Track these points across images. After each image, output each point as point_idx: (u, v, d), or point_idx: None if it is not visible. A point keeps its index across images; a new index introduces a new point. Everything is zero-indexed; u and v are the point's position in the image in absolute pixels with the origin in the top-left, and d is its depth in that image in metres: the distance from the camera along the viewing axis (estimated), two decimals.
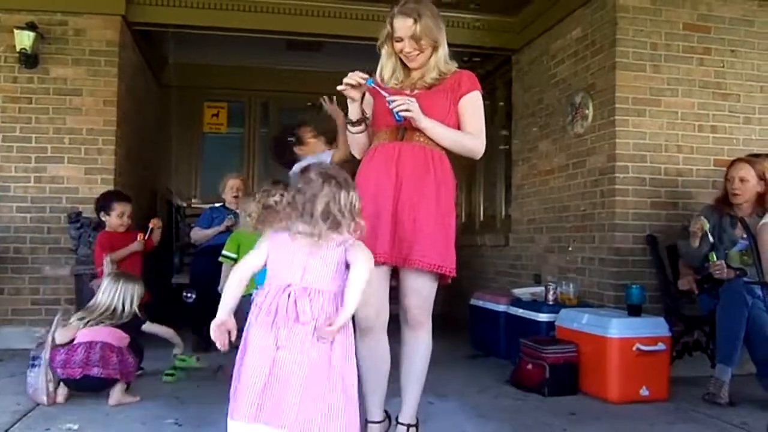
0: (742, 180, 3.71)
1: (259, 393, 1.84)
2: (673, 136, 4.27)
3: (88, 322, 3.30)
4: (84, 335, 3.23)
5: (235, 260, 4.06)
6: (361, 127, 2.53)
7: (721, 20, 4.37)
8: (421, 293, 2.43)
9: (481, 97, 2.52)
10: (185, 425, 2.87)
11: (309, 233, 1.94)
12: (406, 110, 2.32)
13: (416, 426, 2.53)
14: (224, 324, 1.93)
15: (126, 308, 3.41)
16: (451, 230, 2.44)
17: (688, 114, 4.30)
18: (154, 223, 4.21)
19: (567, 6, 4.78)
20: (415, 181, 2.38)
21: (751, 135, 4.40)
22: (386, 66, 2.53)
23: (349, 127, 2.55)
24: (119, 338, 3.30)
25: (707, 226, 3.62)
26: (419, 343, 2.48)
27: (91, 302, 3.49)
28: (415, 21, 2.39)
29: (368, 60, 2.66)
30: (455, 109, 2.48)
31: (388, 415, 2.56)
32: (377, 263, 2.28)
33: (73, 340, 3.24)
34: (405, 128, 2.42)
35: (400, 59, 2.51)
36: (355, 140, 2.57)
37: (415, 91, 2.47)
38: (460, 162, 2.59)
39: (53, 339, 3.19)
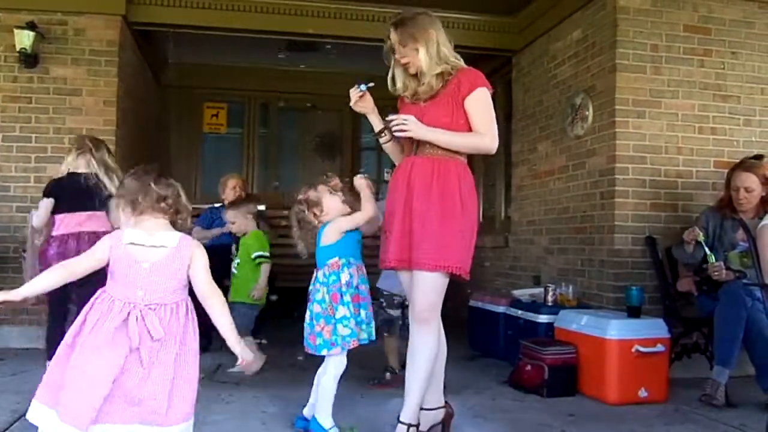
0: (747, 190, 3.70)
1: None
2: (673, 138, 4.27)
3: None
4: None
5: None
6: (387, 137, 2.69)
7: (721, 22, 4.36)
8: (425, 291, 2.49)
9: (486, 93, 2.54)
10: None
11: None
12: (401, 130, 2.49)
13: (417, 426, 2.53)
14: (14, 301, 1.90)
15: None
16: (460, 231, 2.49)
17: (688, 116, 4.30)
18: None
19: (567, 7, 4.78)
20: (421, 192, 2.50)
21: (751, 137, 4.40)
22: (398, 76, 2.64)
23: (378, 140, 2.73)
24: None
25: (702, 237, 3.61)
26: (423, 341, 2.51)
27: None
28: (396, 28, 2.55)
29: (367, 60, 2.67)
30: (461, 111, 2.52)
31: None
32: (385, 267, 2.61)
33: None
34: (418, 142, 2.54)
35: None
36: (389, 152, 2.77)
37: (426, 103, 2.55)
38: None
39: None
